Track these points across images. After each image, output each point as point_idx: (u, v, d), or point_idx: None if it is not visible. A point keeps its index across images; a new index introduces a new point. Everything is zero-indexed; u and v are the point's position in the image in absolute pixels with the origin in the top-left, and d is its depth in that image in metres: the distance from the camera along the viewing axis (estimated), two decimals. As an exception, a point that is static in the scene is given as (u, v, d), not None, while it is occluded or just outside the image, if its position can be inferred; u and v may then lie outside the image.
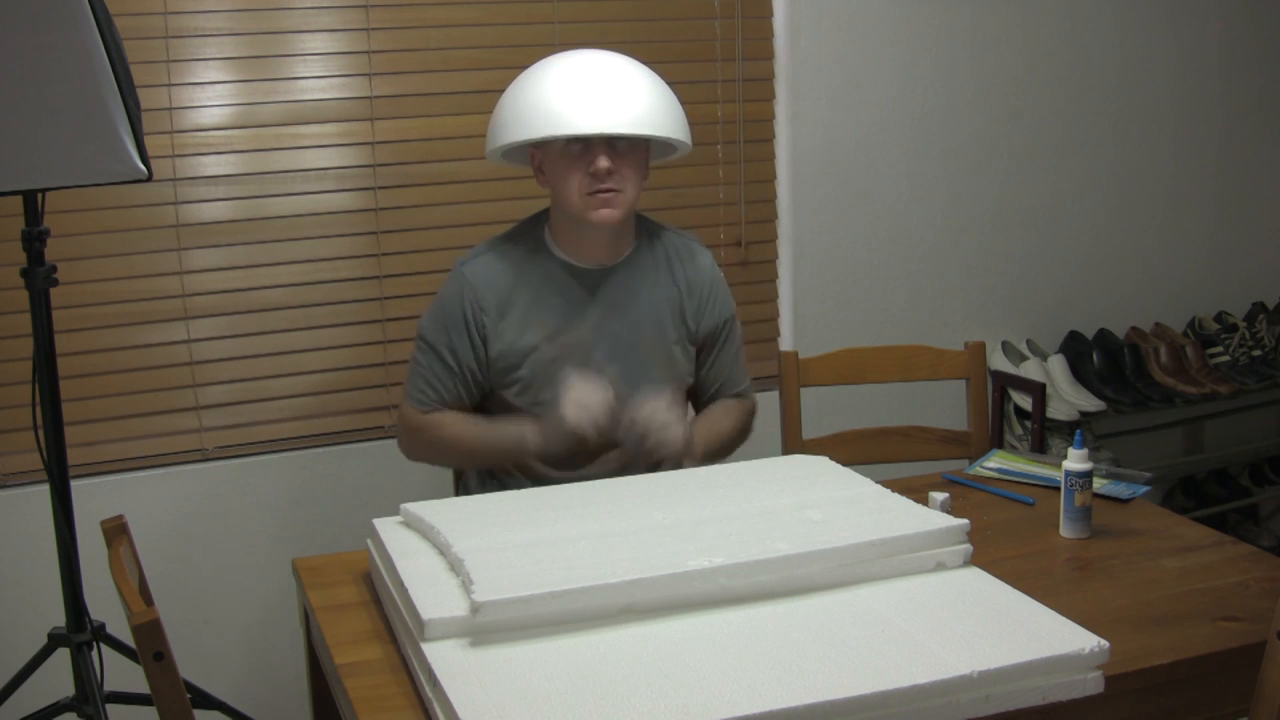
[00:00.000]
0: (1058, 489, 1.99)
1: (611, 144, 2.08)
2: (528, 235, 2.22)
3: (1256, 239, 3.66)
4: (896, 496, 1.87)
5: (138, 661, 1.55)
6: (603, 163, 2.06)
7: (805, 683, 1.40)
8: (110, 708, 2.22)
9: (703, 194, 3.05)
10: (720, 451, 2.27)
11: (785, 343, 3.14)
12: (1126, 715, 1.57)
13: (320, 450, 2.80)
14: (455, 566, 1.64)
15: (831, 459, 2.08)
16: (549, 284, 2.17)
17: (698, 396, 2.35)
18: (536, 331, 2.16)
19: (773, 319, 3.15)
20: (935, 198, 3.25)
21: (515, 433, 2.13)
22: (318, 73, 2.70)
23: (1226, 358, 3.49)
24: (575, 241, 2.17)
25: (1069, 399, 3.23)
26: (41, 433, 2.20)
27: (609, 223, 2.11)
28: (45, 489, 2.29)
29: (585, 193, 2.08)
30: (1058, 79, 3.32)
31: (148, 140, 2.15)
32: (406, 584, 1.61)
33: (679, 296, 2.23)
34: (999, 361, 3.30)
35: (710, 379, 2.31)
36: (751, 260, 3.10)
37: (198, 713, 1.84)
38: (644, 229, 2.26)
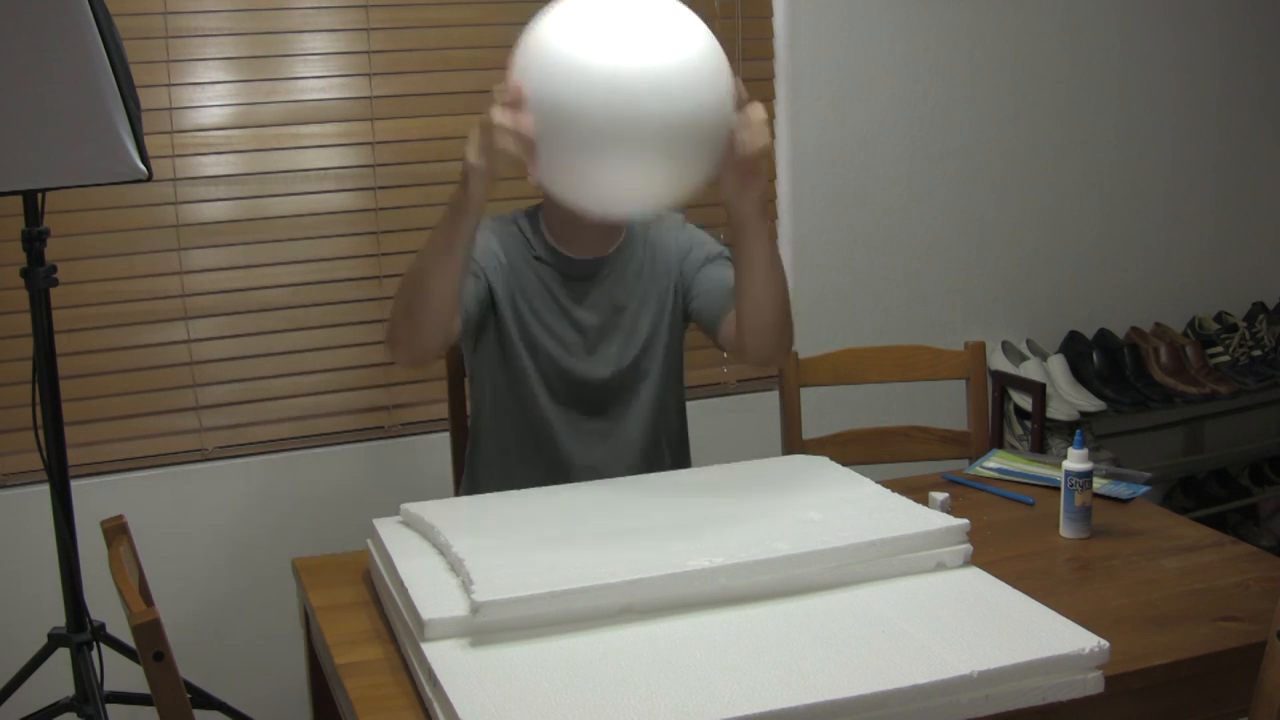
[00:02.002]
0: (1058, 489, 1.99)
1: None
2: (524, 224, 2.22)
3: (1256, 239, 3.67)
4: (896, 496, 1.87)
5: (138, 661, 1.55)
6: None
7: (805, 683, 1.40)
8: (110, 708, 2.22)
9: (703, 194, 3.03)
10: (777, 276, 2.07)
11: (785, 343, 3.14)
12: (1126, 715, 1.57)
13: (320, 450, 2.80)
14: (455, 566, 1.64)
15: (831, 459, 2.08)
16: (546, 272, 2.18)
17: (720, 315, 2.18)
18: (533, 319, 2.16)
19: (773, 319, 3.14)
20: (935, 197, 3.25)
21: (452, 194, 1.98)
22: (318, 73, 2.70)
23: (1226, 358, 3.49)
24: (569, 235, 2.18)
25: (1069, 399, 3.23)
26: (41, 433, 2.20)
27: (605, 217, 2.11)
28: (45, 489, 2.29)
29: None
30: (1058, 79, 3.32)
31: (148, 140, 2.15)
32: (406, 584, 1.61)
33: (669, 269, 2.23)
34: (999, 361, 3.30)
35: (720, 291, 2.17)
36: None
37: (198, 713, 1.84)
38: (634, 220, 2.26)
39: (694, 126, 1.76)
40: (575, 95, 1.72)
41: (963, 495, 2.13)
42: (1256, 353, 3.51)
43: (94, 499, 2.55)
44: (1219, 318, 3.58)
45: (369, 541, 1.84)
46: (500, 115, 1.77)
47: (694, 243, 2.27)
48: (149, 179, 2.08)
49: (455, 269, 1.96)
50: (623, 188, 1.80)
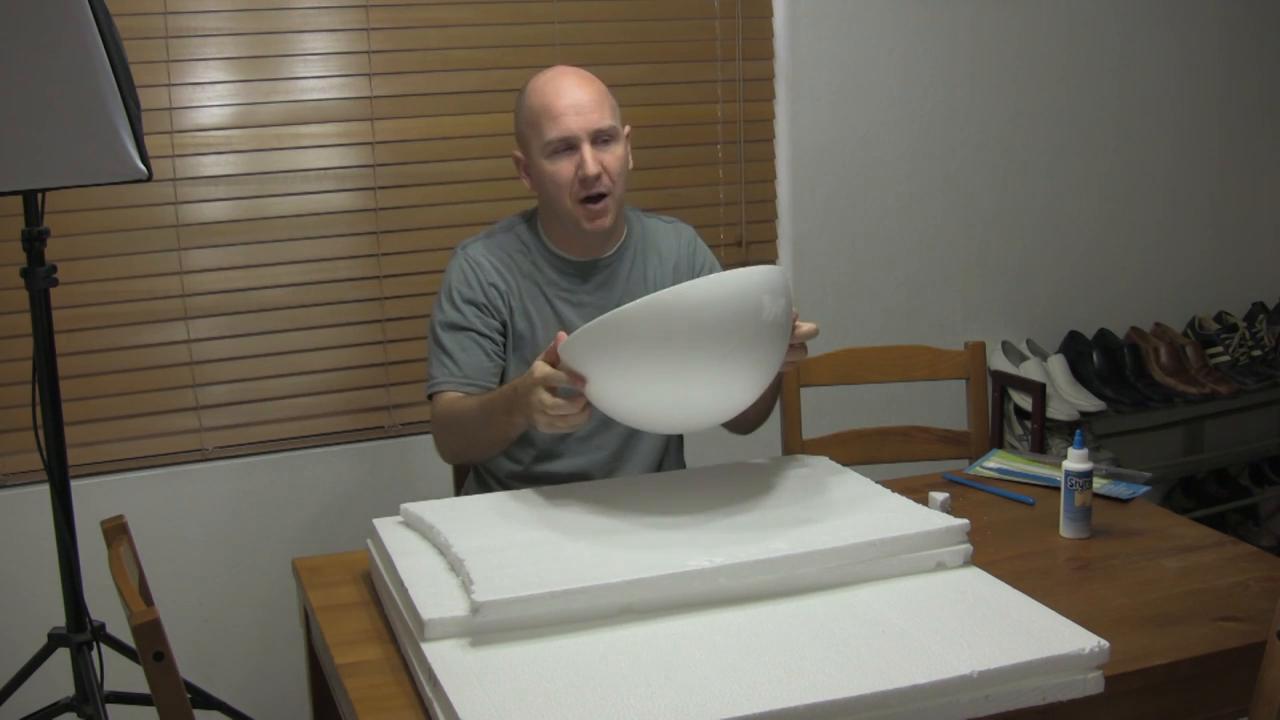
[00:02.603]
0: (1058, 489, 1.99)
1: (593, 141, 2.08)
2: (522, 229, 2.22)
3: (1256, 239, 3.67)
4: (896, 496, 1.87)
5: (138, 661, 1.55)
6: (591, 169, 2.06)
7: (805, 683, 1.40)
8: (110, 708, 2.22)
9: (703, 194, 3.05)
10: (776, 386, 2.18)
11: (785, 343, 3.14)
12: (1126, 715, 1.57)
13: (320, 450, 2.80)
14: (455, 566, 1.64)
15: (831, 459, 2.08)
16: (546, 276, 2.18)
17: None
18: (537, 322, 2.16)
19: (773, 319, 3.14)
20: (935, 198, 3.25)
21: (514, 382, 2.00)
22: (318, 73, 2.70)
23: (1226, 358, 3.49)
24: (568, 238, 2.17)
25: (1069, 399, 3.23)
26: (41, 433, 2.20)
27: (602, 229, 2.11)
28: (45, 489, 2.29)
29: (576, 200, 2.08)
30: (1058, 79, 3.32)
31: (148, 140, 2.15)
32: (406, 584, 1.61)
33: (671, 275, 2.23)
34: (999, 361, 3.30)
35: None
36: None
37: (198, 713, 1.84)
38: (633, 218, 2.26)
39: (763, 328, 1.76)
40: (643, 327, 1.70)
41: (963, 495, 2.13)
42: (1256, 353, 3.51)
43: (94, 499, 2.55)
44: (1219, 318, 3.58)
45: (369, 541, 1.84)
46: (551, 400, 1.81)
47: (709, 265, 2.28)
48: (149, 179, 2.08)
49: (510, 442, 2.08)
50: (695, 404, 1.81)
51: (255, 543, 2.76)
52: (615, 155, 2.10)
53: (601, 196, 2.08)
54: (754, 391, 1.82)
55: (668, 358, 1.70)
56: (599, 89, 2.11)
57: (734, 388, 1.79)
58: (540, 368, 1.82)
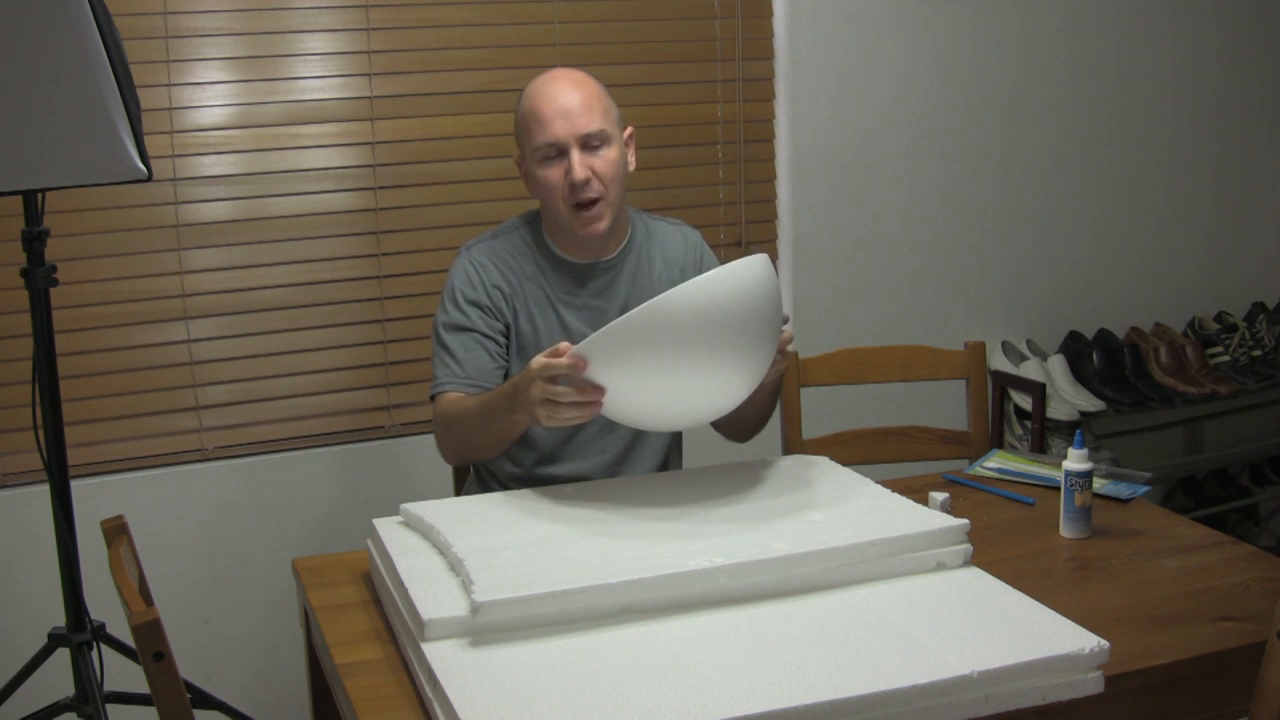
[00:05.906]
0: (1058, 489, 1.99)
1: (582, 146, 2.07)
2: (525, 231, 2.21)
3: (1256, 239, 3.67)
4: (896, 496, 1.87)
5: (138, 661, 1.55)
6: (579, 174, 2.05)
7: (805, 683, 1.40)
8: (110, 708, 2.22)
9: (703, 194, 3.05)
10: (773, 394, 2.20)
11: (785, 343, 3.14)
12: (1126, 715, 1.57)
13: (320, 450, 2.80)
14: (455, 566, 1.64)
15: (831, 459, 2.08)
16: (548, 278, 2.17)
17: None
18: (540, 324, 2.16)
19: (773, 319, 3.14)
20: (935, 198, 3.25)
21: (513, 379, 2.01)
22: (318, 73, 2.70)
23: (1226, 358, 3.49)
24: (568, 240, 2.17)
25: (1069, 399, 3.23)
26: (41, 433, 2.20)
27: (597, 234, 2.11)
28: (45, 489, 2.29)
29: (570, 205, 2.08)
30: (1058, 79, 3.32)
31: (148, 140, 2.15)
32: (406, 584, 1.61)
33: (679, 278, 2.23)
34: (999, 361, 3.30)
35: None
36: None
37: (198, 713, 1.84)
38: (637, 220, 2.25)
39: (762, 322, 1.79)
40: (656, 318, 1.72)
41: (963, 495, 2.13)
42: (1256, 353, 3.51)
43: (94, 499, 2.55)
44: (1219, 318, 3.58)
45: (369, 541, 1.84)
46: (559, 389, 1.80)
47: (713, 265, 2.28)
48: (149, 179, 2.08)
49: (512, 440, 2.07)
50: (701, 397, 1.82)
51: (255, 543, 2.76)
52: (607, 159, 2.08)
53: (594, 201, 2.07)
54: (754, 382, 1.84)
55: (680, 355, 1.72)
56: (590, 92, 2.08)
57: (737, 379, 1.80)
58: (537, 360, 1.82)
